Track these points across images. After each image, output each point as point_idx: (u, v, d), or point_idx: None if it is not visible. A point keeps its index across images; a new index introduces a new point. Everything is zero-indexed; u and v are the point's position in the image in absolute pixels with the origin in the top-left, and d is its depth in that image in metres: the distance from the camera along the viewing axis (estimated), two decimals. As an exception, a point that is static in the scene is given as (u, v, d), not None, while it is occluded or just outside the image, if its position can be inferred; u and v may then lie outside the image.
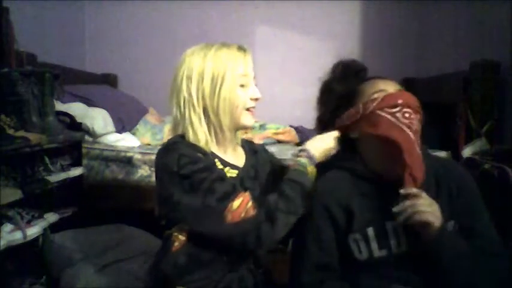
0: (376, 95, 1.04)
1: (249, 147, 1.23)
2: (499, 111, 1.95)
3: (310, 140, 1.12)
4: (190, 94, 1.07)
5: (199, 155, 1.02)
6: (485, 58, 1.99)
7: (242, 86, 1.08)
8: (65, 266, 1.72)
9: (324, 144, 1.10)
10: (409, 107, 0.99)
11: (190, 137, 1.06)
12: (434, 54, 2.88)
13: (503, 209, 1.10)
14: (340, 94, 1.13)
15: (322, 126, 1.17)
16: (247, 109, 1.10)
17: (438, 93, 2.35)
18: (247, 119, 1.10)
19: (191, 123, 1.06)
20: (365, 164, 1.08)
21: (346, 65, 1.17)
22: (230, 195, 0.96)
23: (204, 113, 1.07)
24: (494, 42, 2.13)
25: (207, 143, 1.06)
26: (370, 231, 1.01)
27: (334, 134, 1.12)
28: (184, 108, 1.08)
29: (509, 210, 1.32)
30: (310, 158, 1.07)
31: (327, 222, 1.04)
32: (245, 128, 1.14)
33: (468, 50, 2.35)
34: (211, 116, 1.06)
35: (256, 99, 1.11)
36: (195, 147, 1.04)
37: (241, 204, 0.95)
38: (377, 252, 1.01)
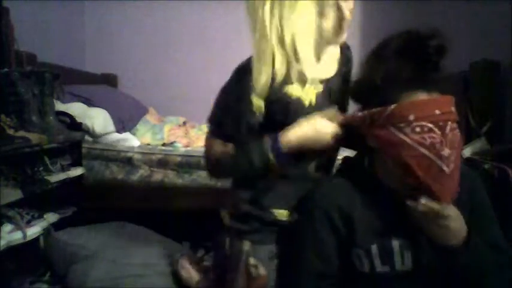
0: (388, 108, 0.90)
1: (346, 54, 1.18)
2: (499, 111, 1.95)
3: (297, 123, 1.04)
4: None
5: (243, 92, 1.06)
6: (485, 58, 1.99)
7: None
8: (70, 262, 1.73)
9: (307, 131, 1.03)
10: (424, 119, 0.87)
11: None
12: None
13: (503, 209, 1.10)
14: (382, 79, 0.92)
15: (356, 95, 1.03)
16: None
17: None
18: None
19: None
20: (375, 174, 1.01)
21: (418, 41, 0.90)
22: (218, 135, 1.11)
23: None
24: (494, 42, 2.13)
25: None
26: (374, 248, 0.97)
27: (328, 124, 1.02)
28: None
29: (509, 210, 1.32)
30: (275, 147, 1.03)
31: (327, 228, 1.00)
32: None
33: (468, 50, 2.35)
34: None
35: None
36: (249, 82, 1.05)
37: (215, 145, 1.11)
38: (379, 268, 0.97)
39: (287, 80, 1.05)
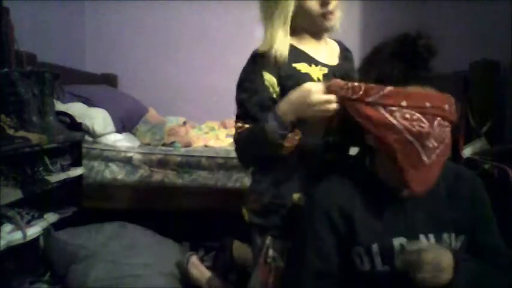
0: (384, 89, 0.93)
1: (344, 53, 1.28)
2: (499, 111, 1.95)
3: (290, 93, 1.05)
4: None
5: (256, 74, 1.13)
6: (485, 58, 1.99)
7: None
8: (70, 262, 1.73)
9: (294, 93, 1.04)
10: (414, 108, 0.91)
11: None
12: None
13: (503, 209, 1.10)
14: (376, 78, 0.96)
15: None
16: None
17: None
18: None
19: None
20: (375, 173, 1.01)
21: (408, 42, 0.95)
22: (239, 117, 1.16)
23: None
24: (494, 42, 2.13)
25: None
26: (375, 247, 0.97)
27: (313, 84, 1.02)
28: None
29: (509, 210, 1.31)
30: (276, 120, 1.04)
31: (327, 228, 1.00)
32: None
33: (468, 50, 2.34)
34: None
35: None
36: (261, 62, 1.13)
37: (237, 127, 1.15)
38: (380, 267, 0.98)
39: (294, 58, 1.14)
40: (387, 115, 0.92)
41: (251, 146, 1.13)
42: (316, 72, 1.15)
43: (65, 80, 1.96)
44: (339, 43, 1.30)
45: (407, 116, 0.91)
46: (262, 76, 1.13)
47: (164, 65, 3.24)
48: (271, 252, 1.16)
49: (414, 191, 0.93)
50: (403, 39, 0.95)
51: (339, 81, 0.99)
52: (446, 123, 0.93)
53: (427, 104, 0.91)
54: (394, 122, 0.91)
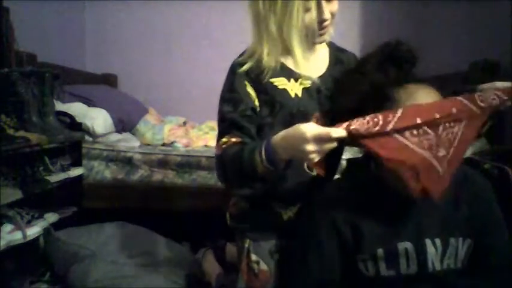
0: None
1: (335, 56, 1.22)
2: (499, 112, 1.95)
3: (286, 131, 0.93)
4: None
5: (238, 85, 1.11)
6: (486, 58, 1.99)
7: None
8: (71, 262, 1.73)
9: (289, 130, 0.92)
10: (427, 124, 0.86)
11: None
12: (434, 55, 2.88)
13: (503, 209, 1.10)
14: (371, 84, 0.94)
15: (341, 116, 0.92)
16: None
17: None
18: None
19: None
20: (381, 177, 0.98)
21: (392, 49, 0.97)
22: (223, 132, 1.09)
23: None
24: (494, 42, 2.13)
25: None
26: (380, 252, 0.96)
27: (311, 125, 0.88)
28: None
29: (509, 210, 1.31)
30: (268, 156, 0.95)
31: (332, 236, 0.98)
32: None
33: (468, 50, 2.35)
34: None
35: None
36: (241, 74, 1.11)
37: (222, 143, 1.08)
38: (384, 272, 0.96)
39: (274, 73, 1.11)
40: (401, 139, 0.86)
41: (236, 169, 1.02)
42: (296, 87, 1.12)
43: (65, 80, 1.96)
44: (330, 45, 1.24)
45: (415, 132, 0.86)
46: (245, 86, 1.11)
47: (164, 65, 3.24)
48: (254, 256, 1.16)
49: (434, 199, 0.90)
50: (386, 47, 0.98)
51: (359, 122, 0.86)
52: (452, 124, 0.88)
53: (437, 116, 0.86)
54: (407, 143, 0.86)
